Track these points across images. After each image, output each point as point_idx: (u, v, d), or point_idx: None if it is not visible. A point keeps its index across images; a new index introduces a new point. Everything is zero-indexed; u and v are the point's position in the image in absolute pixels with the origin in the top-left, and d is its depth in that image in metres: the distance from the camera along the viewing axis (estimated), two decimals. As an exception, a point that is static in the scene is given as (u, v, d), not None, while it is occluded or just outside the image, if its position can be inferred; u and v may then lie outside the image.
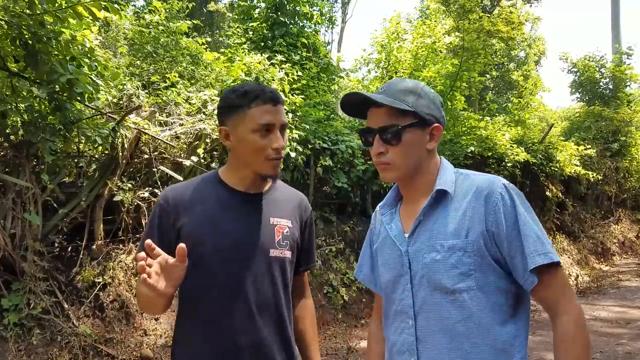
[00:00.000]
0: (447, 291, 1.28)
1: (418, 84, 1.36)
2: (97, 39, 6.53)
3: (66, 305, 4.35)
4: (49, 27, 3.89)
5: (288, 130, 5.88)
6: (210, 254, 1.49)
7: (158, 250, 1.30)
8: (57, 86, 3.91)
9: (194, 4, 8.46)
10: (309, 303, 1.82)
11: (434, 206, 1.35)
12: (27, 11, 3.73)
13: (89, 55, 4.17)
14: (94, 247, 4.65)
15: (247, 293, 1.50)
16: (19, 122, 4.13)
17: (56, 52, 3.97)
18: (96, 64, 4.17)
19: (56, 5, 3.77)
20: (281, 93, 5.95)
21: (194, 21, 7.72)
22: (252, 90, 1.49)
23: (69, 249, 4.64)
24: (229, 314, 1.48)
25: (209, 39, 7.96)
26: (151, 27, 6.56)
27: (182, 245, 1.28)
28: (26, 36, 3.77)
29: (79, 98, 4.05)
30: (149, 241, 1.29)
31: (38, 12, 3.76)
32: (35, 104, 4.15)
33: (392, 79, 1.42)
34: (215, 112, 3.13)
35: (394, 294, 1.41)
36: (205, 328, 1.49)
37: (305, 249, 1.73)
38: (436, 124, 1.35)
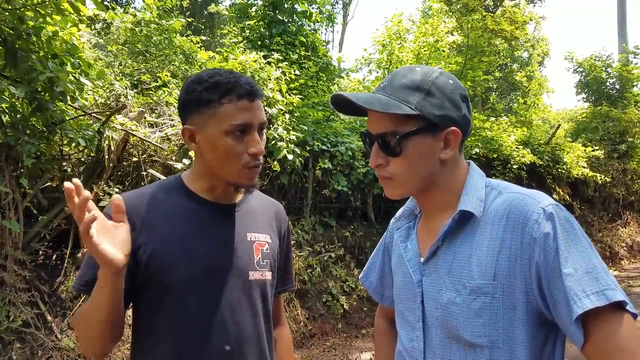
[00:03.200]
0: (465, 343, 0.99)
1: (428, 75, 1.05)
2: (89, 40, 6.33)
3: (49, 317, 4.11)
4: (29, 22, 3.67)
5: (285, 132, 5.68)
6: (179, 283, 1.20)
7: (92, 210, 0.97)
8: (37, 85, 3.70)
9: (188, 0, 8.26)
10: (286, 333, 1.55)
11: (456, 231, 1.06)
12: (5, 5, 3.51)
13: (72, 52, 3.94)
14: (79, 255, 4.41)
15: (224, 328, 1.22)
16: (-3, 123, 3.90)
17: (37, 49, 3.75)
18: (79, 61, 3.93)
19: (36, -1, 3.56)
20: (278, 93, 5.71)
21: (189, 19, 7.52)
22: (223, 82, 1.19)
23: (53, 257, 4.41)
24: (203, 354, 1.21)
25: (203, 38, 7.73)
26: (143, 25, 6.33)
27: (117, 198, 0.98)
28: (5, 32, 3.55)
29: (60, 98, 3.82)
30: (86, 194, 0.96)
31: (17, 6, 3.55)
32: (18, 105, 3.93)
33: (399, 68, 1.11)
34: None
35: (402, 329, 1.15)
36: None
37: (282, 267, 1.46)
38: (452, 128, 1.03)
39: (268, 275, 1.34)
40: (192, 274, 1.21)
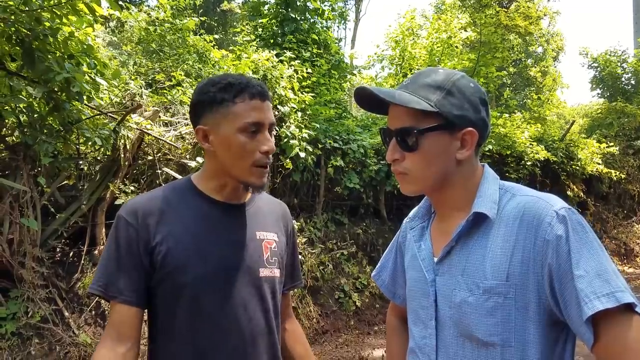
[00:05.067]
0: (478, 342, 1.02)
1: (451, 76, 1.08)
2: (102, 39, 6.40)
3: (66, 313, 4.19)
4: (46, 23, 3.73)
5: (297, 130, 5.70)
6: (194, 281, 1.24)
7: None
8: (54, 85, 3.76)
9: (201, 0, 8.31)
10: (298, 328, 1.60)
11: (470, 232, 1.08)
12: (22, 7, 3.57)
13: (87, 52, 3.99)
14: (96, 252, 4.48)
15: (239, 323, 1.27)
16: (15, 123, 3.97)
17: (53, 50, 3.81)
18: (95, 61, 3.99)
19: (53, 1, 3.61)
20: (290, 91, 5.73)
21: (202, 18, 7.56)
22: (236, 83, 1.25)
23: (70, 254, 4.48)
24: (220, 351, 1.25)
25: (217, 37, 7.77)
26: (157, 24, 6.38)
27: None
28: (22, 33, 3.61)
29: (77, 97, 3.88)
30: None
31: (34, 8, 3.61)
32: (35, 105, 4.00)
33: (423, 69, 1.15)
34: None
35: (415, 327, 1.18)
36: None
37: (290, 264, 1.50)
38: (469, 128, 1.06)
39: (277, 272, 1.38)
40: (206, 272, 1.25)
